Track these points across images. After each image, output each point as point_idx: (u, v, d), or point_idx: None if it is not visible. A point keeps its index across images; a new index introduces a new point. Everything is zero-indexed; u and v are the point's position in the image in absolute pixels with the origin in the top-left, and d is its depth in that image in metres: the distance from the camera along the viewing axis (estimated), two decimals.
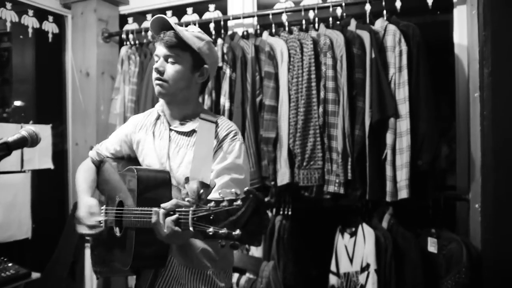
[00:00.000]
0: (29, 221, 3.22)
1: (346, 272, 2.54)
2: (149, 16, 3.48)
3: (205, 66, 1.64)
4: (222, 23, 2.99)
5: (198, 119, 1.63)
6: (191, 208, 1.17)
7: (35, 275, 2.75)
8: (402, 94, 2.43)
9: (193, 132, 1.62)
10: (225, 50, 2.85)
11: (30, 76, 3.56)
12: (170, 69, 1.58)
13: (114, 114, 3.37)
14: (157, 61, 1.61)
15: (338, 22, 2.70)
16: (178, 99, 1.64)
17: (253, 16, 2.99)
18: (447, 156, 2.77)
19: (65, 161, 3.63)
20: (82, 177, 1.81)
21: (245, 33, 2.94)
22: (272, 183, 2.67)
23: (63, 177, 3.62)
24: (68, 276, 3.20)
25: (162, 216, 1.27)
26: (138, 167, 1.63)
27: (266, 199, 1.10)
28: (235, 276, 2.62)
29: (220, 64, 2.86)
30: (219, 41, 2.93)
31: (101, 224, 1.61)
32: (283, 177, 2.62)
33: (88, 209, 1.63)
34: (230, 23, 3.14)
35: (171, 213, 1.26)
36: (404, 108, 2.41)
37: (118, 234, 1.61)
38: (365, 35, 2.49)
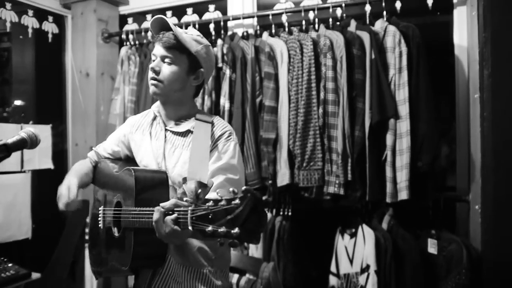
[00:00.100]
0: (29, 221, 3.22)
1: (346, 273, 2.54)
2: (149, 17, 3.48)
3: (201, 69, 1.66)
4: (222, 23, 2.99)
5: (194, 120, 1.65)
6: (190, 208, 1.18)
7: (35, 275, 2.75)
8: (402, 95, 2.43)
9: (188, 132, 1.65)
10: (225, 51, 2.85)
11: (30, 76, 3.56)
12: (166, 70, 1.60)
13: (114, 115, 3.37)
14: (153, 61, 1.63)
15: (338, 23, 2.70)
16: (173, 100, 1.66)
17: (253, 17, 2.99)
18: (447, 157, 2.77)
19: (65, 162, 3.63)
20: (75, 167, 1.83)
21: (245, 33, 2.94)
22: (270, 182, 2.68)
23: (63, 178, 3.59)
24: (68, 276, 3.20)
25: (162, 215, 1.28)
26: (136, 167, 1.63)
27: (264, 198, 1.10)
28: (235, 277, 2.62)
29: (220, 64, 2.87)
30: (219, 41, 2.93)
31: (73, 205, 1.62)
32: (283, 178, 2.62)
33: (67, 187, 1.65)
34: (230, 23, 3.14)
35: (170, 212, 1.27)
36: (404, 109, 2.41)
37: (116, 234, 1.62)
38: (365, 36, 2.49)
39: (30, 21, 3.34)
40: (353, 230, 2.57)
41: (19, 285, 2.65)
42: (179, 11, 3.36)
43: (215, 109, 2.87)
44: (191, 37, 1.62)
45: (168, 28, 1.61)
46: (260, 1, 3.20)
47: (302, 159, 2.56)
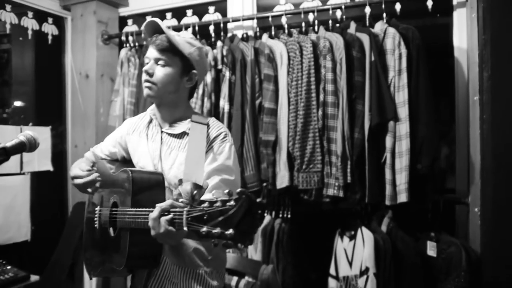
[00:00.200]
0: (28, 223, 3.21)
1: (345, 275, 2.53)
2: (148, 18, 3.46)
3: (194, 71, 1.68)
4: (221, 25, 2.99)
5: (190, 122, 1.67)
6: (186, 209, 1.20)
7: (34, 277, 2.75)
8: (401, 97, 2.42)
9: (184, 134, 1.66)
10: (224, 53, 2.85)
11: (30, 78, 3.56)
12: (160, 72, 1.62)
13: (113, 116, 3.37)
14: (147, 63, 1.65)
15: (337, 25, 2.70)
16: (167, 102, 1.68)
17: (252, 19, 2.99)
18: (447, 160, 2.77)
19: (65, 163, 3.63)
20: (75, 164, 1.81)
21: (244, 35, 2.94)
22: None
23: (63, 179, 3.61)
24: (67, 278, 3.19)
25: (158, 216, 1.29)
26: (132, 168, 1.65)
27: (258, 200, 1.12)
28: (234, 279, 2.62)
29: (219, 66, 2.87)
30: (219, 43, 2.93)
31: (91, 175, 1.62)
32: (282, 180, 2.62)
33: (77, 164, 1.68)
34: (229, 25, 3.14)
35: (166, 213, 1.29)
36: (403, 111, 2.41)
37: (112, 234, 1.64)
38: (365, 38, 2.49)
39: (30, 23, 3.34)
40: (353, 233, 2.56)
41: (18, 287, 2.65)
42: (179, 13, 3.36)
43: (215, 111, 2.87)
44: (183, 39, 1.65)
45: (161, 31, 1.63)
46: (259, 3, 3.20)
47: (301, 161, 2.55)
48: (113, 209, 1.63)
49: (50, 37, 3.51)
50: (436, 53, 2.69)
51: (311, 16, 2.77)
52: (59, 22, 3.60)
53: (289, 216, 2.81)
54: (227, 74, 2.81)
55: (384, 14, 2.57)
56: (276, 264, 2.70)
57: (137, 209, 1.46)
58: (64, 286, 3.18)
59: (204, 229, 1.12)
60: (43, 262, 3.23)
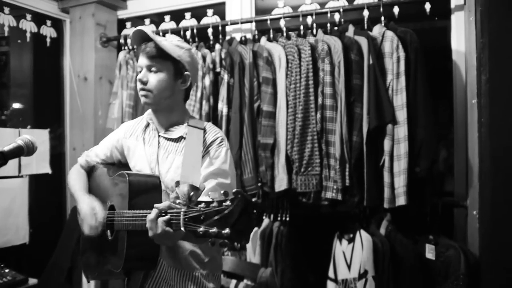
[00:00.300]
0: (26, 226, 3.21)
1: (344, 278, 2.53)
2: (147, 21, 3.47)
3: (186, 73, 1.70)
4: (220, 28, 2.99)
5: (186, 126, 1.70)
6: (183, 209, 1.22)
7: (32, 281, 2.75)
8: (400, 100, 2.43)
9: (181, 138, 1.69)
10: (223, 56, 2.85)
11: (28, 81, 3.55)
12: (153, 79, 1.65)
13: (112, 119, 3.37)
14: (140, 72, 1.67)
15: (336, 28, 2.71)
16: (164, 107, 1.71)
17: (251, 22, 2.98)
18: (445, 163, 2.77)
19: (63, 166, 3.62)
20: (77, 180, 1.84)
21: (243, 38, 2.94)
22: (259, 184, 2.68)
23: (61, 182, 3.61)
24: (65, 281, 3.18)
25: (156, 217, 1.31)
26: (129, 172, 1.67)
27: (253, 200, 1.16)
28: (233, 282, 2.62)
29: (218, 69, 2.87)
30: (217, 46, 2.93)
31: (101, 227, 1.61)
32: (281, 183, 2.62)
33: (91, 210, 1.63)
34: (228, 28, 3.14)
35: (163, 214, 1.31)
36: (402, 114, 2.41)
37: (109, 237, 1.65)
38: (363, 41, 2.49)
39: (28, 25, 3.34)
40: (351, 236, 2.56)
41: None
42: (177, 16, 3.36)
43: (213, 114, 2.87)
44: (171, 43, 1.67)
45: (149, 38, 1.65)
46: (258, 6, 3.21)
47: (300, 164, 2.55)
48: (110, 212, 1.65)
49: (48, 40, 3.51)
50: (434, 56, 2.70)
51: (309, 19, 2.77)
52: (57, 24, 3.60)
53: (287, 219, 2.81)
54: (225, 77, 2.81)
55: (382, 18, 2.57)
56: (275, 267, 2.70)
57: (134, 211, 1.47)
58: None
59: (201, 229, 1.14)
60: (41, 265, 3.22)
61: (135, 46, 3.30)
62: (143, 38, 1.66)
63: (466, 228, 2.49)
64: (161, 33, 3.15)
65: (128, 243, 1.51)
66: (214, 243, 1.13)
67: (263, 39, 2.84)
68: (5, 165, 1.37)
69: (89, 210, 1.62)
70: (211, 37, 3.00)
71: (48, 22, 3.50)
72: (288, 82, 2.65)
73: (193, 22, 3.27)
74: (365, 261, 2.43)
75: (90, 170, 1.91)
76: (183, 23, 3.29)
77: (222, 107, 2.81)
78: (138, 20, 3.62)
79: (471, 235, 2.43)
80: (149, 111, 1.79)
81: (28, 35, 3.35)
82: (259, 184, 2.69)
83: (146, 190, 1.58)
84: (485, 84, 2.16)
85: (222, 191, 1.16)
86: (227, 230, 1.10)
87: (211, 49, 2.97)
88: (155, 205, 1.33)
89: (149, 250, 1.54)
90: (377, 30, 2.57)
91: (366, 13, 2.61)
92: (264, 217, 2.87)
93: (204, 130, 1.70)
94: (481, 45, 2.20)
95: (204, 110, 2.86)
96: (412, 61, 2.44)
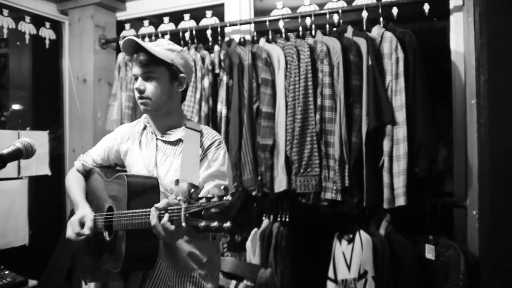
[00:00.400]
0: (26, 228, 3.20)
1: (343, 279, 2.53)
2: (146, 22, 3.47)
3: (182, 75, 1.72)
4: (219, 29, 2.99)
5: (184, 129, 1.72)
6: (184, 205, 1.25)
7: (32, 282, 2.74)
8: (399, 101, 2.43)
9: (179, 141, 1.71)
10: (222, 57, 2.85)
11: (27, 83, 3.55)
12: (150, 86, 1.67)
13: (111, 121, 3.37)
14: (136, 80, 1.69)
15: (334, 29, 2.71)
16: (162, 112, 1.73)
17: (250, 23, 2.98)
18: (444, 163, 2.77)
19: (62, 168, 3.62)
20: (76, 186, 1.85)
21: (242, 39, 2.94)
22: (259, 178, 2.68)
23: (60, 184, 3.55)
24: (65, 283, 3.18)
25: (157, 216, 1.35)
26: (128, 173, 1.70)
27: (253, 194, 1.18)
28: (233, 283, 2.62)
29: (217, 71, 2.87)
30: (216, 47, 2.93)
31: (82, 237, 1.62)
32: (280, 184, 2.62)
33: (81, 218, 1.65)
34: (227, 29, 3.15)
35: (163, 212, 1.35)
36: (401, 115, 2.41)
37: (107, 238, 1.66)
38: (362, 42, 2.50)
39: (27, 27, 3.33)
40: (351, 236, 2.56)
41: None
42: (176, 17, 3.36)
43: (212, 115, 2.87)
44: (163, 48, 1.68)
45: (139, 47, 1.66)
46: (257, 7, 3.21)
47: (299, 165, 2.56)
48: (109, 213, 1.65)
49: (47, 42, 3.50)
50: (433, 57, 2.70)
51: (308, 21, 2.77)
52: (56, 26, 3.60)
53: (287, 219, 2.81)
54: (224, 78, 2.81)
55: (381, 18, 2.57)
56: (275, 267, 2.70)
57: (134, 211, 1.49)
58: None
59: (202, 223, 1.16)
60: (41, 266, 3.21)
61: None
62: (134, 47, 1.67)
63: (465, 228, 2.49)
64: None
65: (127, 242, 1.53)
66: (215, 238, 1.17)
67: (262, 41, 2.84)
68: (4, 168, 1.37)
69: (77, 219, 1.64)
70: (210, 39, 3.00)
71: (47, 24, 3.49)
72: (287, 83, 2.65)
73: (192, 23, 3.27)
74: (365, 262, 2.43)
75: (86, 174, 1.92)
76: (182, 25, 3.29)
77: (221, 108, 2.81)
78: (137, 21, 3.62)
79: (471, 235, 2.43)
80: (146, 114, 1.81)
81: (27, 37, 3.35)
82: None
83: (144, 191, 1.60)
84: (484, 84, 2.16)
85: (222, 186, 1.20)
86: (228, 224, 1.12)
87: (210, 50, 2.97)
88: (155, 205, 1.37)
89: (148, 249, 1.57)
90: (376, 31, 2.57)
91: (365, 14, 2.61)
92: (263, 218, 2.88)
93: (201, 133, 1.72)
94: (480, 45, 2.20)
95: (203, 111, 2.86)
96: (411, 62, 2.44)
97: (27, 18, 3.34)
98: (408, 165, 2.39)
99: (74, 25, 3.58)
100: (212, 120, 2.87)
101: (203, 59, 2.91)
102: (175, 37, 3.10)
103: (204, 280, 1.70)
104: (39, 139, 3.29)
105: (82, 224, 1.64)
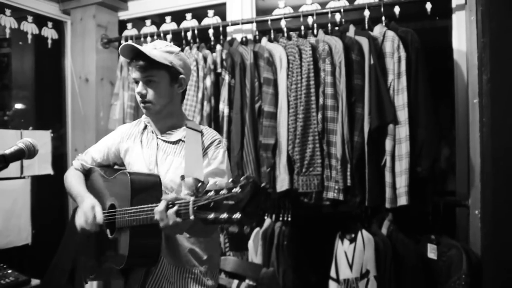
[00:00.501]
0: (29, 227, 3.22)
1: (346, 278, 2.53)
2: (148, 22, 3.48)
3: (181, 76, 1.74)
4: (221, 29, 3.00)
5: (185, 129, 1.75)
6: (192, 198, 1.27)
7: (35, 281, 2.75)
8: (401, 100, 2.42)
9: (179, 141, 1.74)
10: (224, 56, 2.85)
11: (30, 82, 3.56)
12: (151, 90, 1.68)
13: (113, 120, 3.38)
14: (137, 84, 1.70)
15: (336, 28, 2.71)
16: (164, 113, 1.75)
17: (252, 22, 2.99)
18: (447, 162, 2.77)
19: (65, 167, 3.62)
20: (76, 181, 1.87)
21: (244, 39, 2.94)
22: (268, 169, 2.67)
23: (63, 183, 3.60)
24: (67, 282, 3.19)
25: (165, 208, 1.37)
26: (130, 171, 1.73)
27: (263, 185, 1.19)
28: (235, 282, 2.62)
29: (219, 70, 2.87)
30: (218, 47, 2.93)
31: (95, 226, 1.62)
32: (282, 183, 2.62)
33: (92, 206, 1.64)
34: (229, 29, 3.15)
35: (171, 205, 1.37)
36: (403, 114, 2.41)
37: (110, 236, 1.67)
38: (364, 41, 2.49)
39: (29, 27, 3.35)
40: (353, 235, 2.56)
41: None
42: (178, 16, 3.37)
43: (214, 115, 2.87)
44: (161, 50, 1.68)
45: (138, 51, 1.66)
46: (259, 6, 3.21)
47: (301, 165, 2.55)
48: (111, 210, 1.66)
49: (49, 41, 3.52)
50: (435, 56, 2.69)
51: (310, 20, 2.77)
52: (58, 26, 3.61)
53: (289, 219, 2.82)
54: (226, 77, 2.81)
55: (383, 17, 2.57)
56: (277, 267, 2.70)
57: (138, 207, 1.51)
58: None
59: (211, 216, 1.18)
60: (44, 266, 3.22)
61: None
62: (133, 51, 1.68)
63: (468, 227, 2.49)
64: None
65: (131, 239, 1.54)
66: (223, 230, 1.18)
67: (264, 40, 2.84)
68: (6, 168, 1.38)
69: (89, 207, 1.64)
70: (212, 38, 3.00)
71: (49, 24, 3.51)
72: (289, 82, 2.65)
73: (194, 23, 3.27)
74: (367, 261, 2.43)
75: (86, 173, 1.92)
76: (184, 24, 3.29)
77: (223, 107, 2.81)
78: (139, 21, 3.63)
79: (473, 235, 2.42)
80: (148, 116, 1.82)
81: (29, 36, 3.36)
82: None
83: (147, 188, 1.61)
84: (486, 83, 2.16)
85: (230, 180, 1.19)
86: (237, 215, 1.13)
87: (212, 49, 2.98)
88: (163, 197, 1.39)
89: (151, 246, 1.59)
90: (378, 30, 2.57)
91: (367, 13, 2.61)
92: (266, 218, 2.88)
93: (202, 133, 1.75)
94: (482, 44, 2.20)
95: (205, 111, 2.86)
96: (413, 61, 2.43)
97: (30, 18, 3.35)
98: (410, 164, 2.38)
99: (76, 25, 3.59)
100: (214, 119, 2.87)
101: (205, 59, 2.92)
102: (177, 36, 3.11)
103: (205, 276, 1.73)
104: (42, 139, 3.30)
105: (93, 211, 1.63)
